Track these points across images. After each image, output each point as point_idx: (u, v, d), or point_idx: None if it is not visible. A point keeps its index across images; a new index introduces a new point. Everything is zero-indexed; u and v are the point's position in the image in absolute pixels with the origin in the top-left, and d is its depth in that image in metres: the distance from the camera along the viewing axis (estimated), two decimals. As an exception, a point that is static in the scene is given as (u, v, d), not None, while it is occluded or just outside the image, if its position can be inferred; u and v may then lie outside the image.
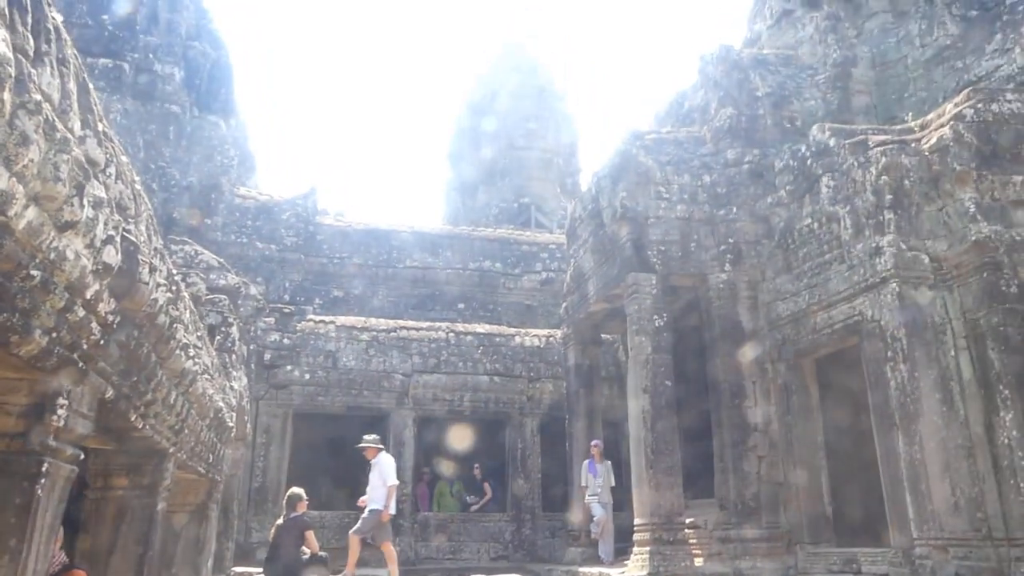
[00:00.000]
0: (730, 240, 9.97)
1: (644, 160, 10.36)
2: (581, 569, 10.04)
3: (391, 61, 74.43)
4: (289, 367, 12.30)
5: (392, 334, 13.06)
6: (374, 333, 12.98)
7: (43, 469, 2.58)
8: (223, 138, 15.33)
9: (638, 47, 76.64)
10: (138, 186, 3.14)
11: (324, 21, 74.93)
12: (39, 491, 2.56)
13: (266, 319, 12.23)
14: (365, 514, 8.68)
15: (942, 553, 6.89)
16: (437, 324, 13.80)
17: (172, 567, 5.84)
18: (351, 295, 15.48)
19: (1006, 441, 7.05)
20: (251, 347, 11.18)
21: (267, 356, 12.20)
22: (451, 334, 13.45)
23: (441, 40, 74.60)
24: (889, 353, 7.58)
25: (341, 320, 13.22)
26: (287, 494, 7.96)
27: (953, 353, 7.52)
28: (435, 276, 16.36)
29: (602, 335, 12.54)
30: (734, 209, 10.13)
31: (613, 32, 75.35)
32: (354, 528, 8.74)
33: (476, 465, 13.55)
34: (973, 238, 7.43)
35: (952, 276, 7.66)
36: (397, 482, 9.10)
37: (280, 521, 7.80)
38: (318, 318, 13.06)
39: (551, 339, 13.69)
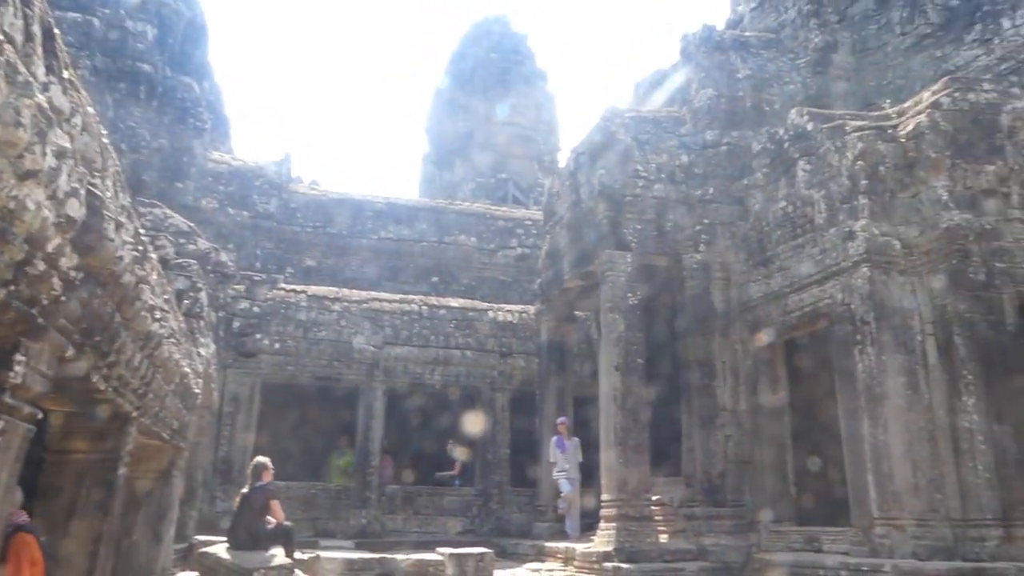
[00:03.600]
0: (705, 221, 9.99)
1: (623, 138, 10.32)
2: (547, 544, 10.12)
3: (371, 30, 73.30)
4: (258, 336, 12.14)
5: (364, 305, 12.95)
6: (346, 304, 12.86)
7: (-1, 427, 2.50)
8: (196, 100, 14.98)
9: (621, 26, 76.24)
10: (106, 140, 3.04)
11: (302, -14, 73.44)
12: (-6, 449, 2.48)
13: (236, 286, 12.04)
14: None
15: (900, 532, 7.03)
16: (410, 297, 13.70)
17: (133, 534, 5.76)
18: (324, 265, 15.31)
19: (967, 425, 7.20)
20: (220, 314, 11.03)
21: (236, 324, 12.04)
22: (424, 307, 13.36)
23: (423, 10, 73.54)
24: (858, 336, 7.67)
25: (313, 290, 13.08)
26: (252, 463, 7.89)
27: (920, 338, 7.64)
28: (409, 248, 16.23)
29: (575, 312, 12.56)
30: (711, 190, 10.15)
31: (596, 10, 74.82)
32: None
33: (450, 441, 13.53)
34: (944, 225, 7.53)
35: (922, 262, 7.75)
36: None
37: (245, 490, 7.74)
38: (289, 287, 12.90)
39: (525, 315, 13.68)
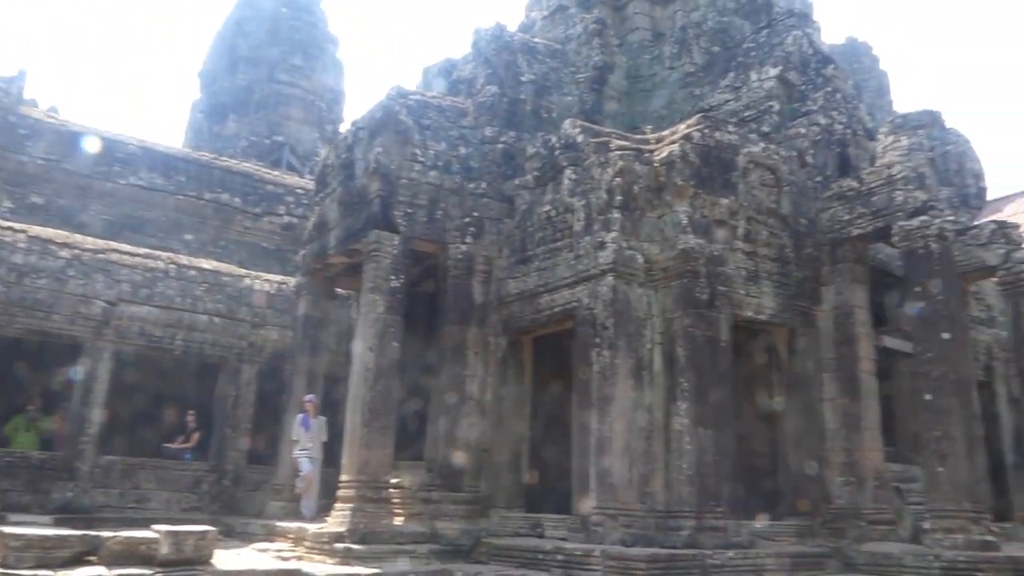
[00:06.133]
0: (475, 214, 10.21)
1: (405, 120, 10.24)
2: (279, 523, 9.77)
3: (148, -45, 66.13)
4: (-46, 276, 10.41)
5: (100, 255, 11.60)
6: (77, 251, 11.43)
7: None
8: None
9: (420, 7, 75.84)
10: None
11: None
12: None
13: (-68, 215, 10.23)
14: None
15: (613, 521, 7.68)
16: (157, 252, 12.52)
17: None
18: (54, 204, 13.50)
19: (679, 428, 8.04)
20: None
21: (-75, 259, 10.23)
22: (172, 265, 12.29)
23: (211, -53, 67.63)
24: (597, 339, 8.24)
25: (36, 231, 11.45)
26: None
27: (649, 346, 8.40)
28: (163, 200, 14.85)
29: (337, 289, 12.25)
30: (483, 185, 10.39)
31: (399, -13, 73.72)
32: None
33: (191, 412, 12.57)
34: (681, 247, 8.33)
35: (659, 278, 8.53)
36: None
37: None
38: (5, 224, 11.19)
39: (284, 286, 13.10)
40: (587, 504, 7.97)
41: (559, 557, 7.55)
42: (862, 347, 9.19)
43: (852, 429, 8.92)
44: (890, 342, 10.09)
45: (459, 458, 9.50)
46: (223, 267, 13.13)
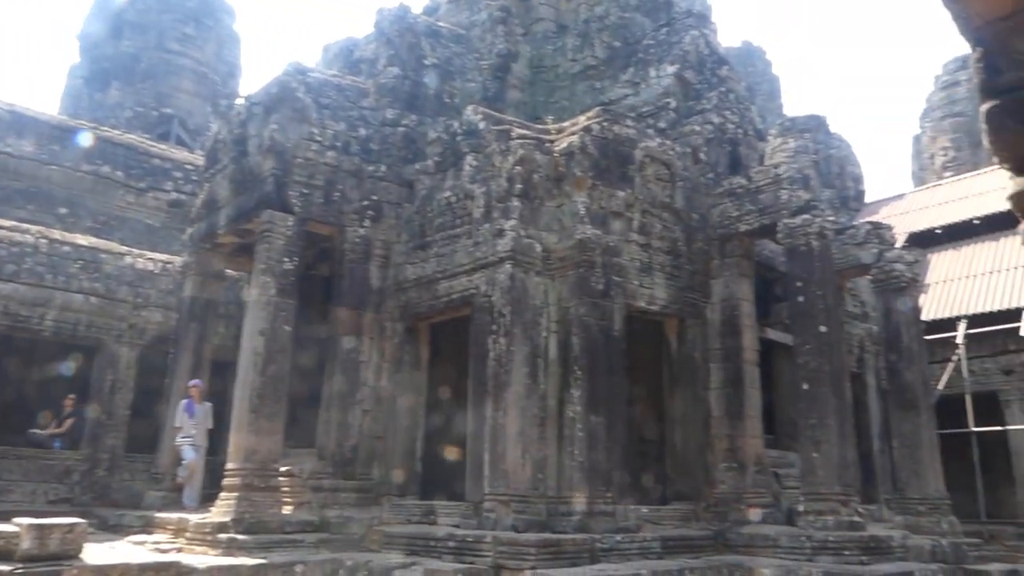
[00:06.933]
0: (374, 197, 10.01)
1: (303, 97, 9.90)
2: (158, 514, 9.31)
3: (25, -95, 61.23)
4: None
5: (-42, 227, 10.71)
6: (-69, 222, 10.51)
7: None
8: None
9: (325, -15, 73.63)
10: None
11: None
12: None
13: None
14: None
15: (505, 507, 7.71)
16: (26, 226, 11.64)
17: None
18: (-94, 170, 12.35)
19: (571, 415, 8.15)
20: None
21: None
22: (43, 240, 11.45)
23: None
24: (494, 327, 8.24)
25: None
26: None
27: (545, 334, 8.47)
28: (35, 170, 13.81)
29: (227, 270, 11.75)
30: (383, 168, 10.19)
31: (301, -39, 71.25)
32: None
33: (70, 396, 11.75)
34: (578, 236, 8.43)
35: (556, 267, 8.61)
36: None
37: None
38: None
39: (169, 266, 12.45)
40: (480, 490, 7.97)
41: (451, 543, 7.53)
42: (746, 338, 9.59)
43: (735, 417, 9.31)
44: (772, 334, 10.58)
45: (352, 445, 9.32)
46: (101, 244, 12.34)
